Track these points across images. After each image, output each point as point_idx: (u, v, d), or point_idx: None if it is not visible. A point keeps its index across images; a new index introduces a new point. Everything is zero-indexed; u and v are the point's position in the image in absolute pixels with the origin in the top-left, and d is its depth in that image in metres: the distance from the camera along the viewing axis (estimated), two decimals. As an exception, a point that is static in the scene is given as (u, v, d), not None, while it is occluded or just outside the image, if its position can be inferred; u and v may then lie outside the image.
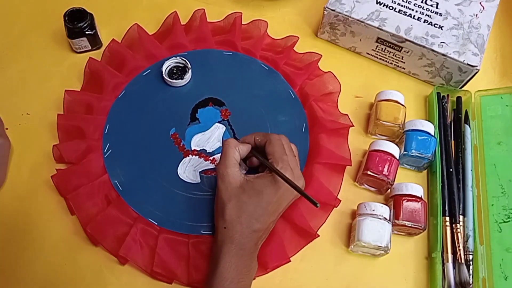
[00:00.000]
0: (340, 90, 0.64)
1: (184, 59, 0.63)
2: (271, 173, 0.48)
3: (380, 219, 0.51)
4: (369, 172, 0.55)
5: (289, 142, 0.52)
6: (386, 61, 0.67)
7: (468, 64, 0.60)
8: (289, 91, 0.63)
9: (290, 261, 0.52)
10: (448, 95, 0.63)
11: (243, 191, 0.48)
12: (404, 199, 0.53)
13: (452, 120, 0.62)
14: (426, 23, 0.63)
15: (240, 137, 0.59)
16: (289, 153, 0.50)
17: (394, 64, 0.67)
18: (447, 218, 0.55)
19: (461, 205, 0.55)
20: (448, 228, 0.54)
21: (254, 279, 0.51)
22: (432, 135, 0.57)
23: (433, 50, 0.61)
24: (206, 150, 0.59)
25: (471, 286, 0.51)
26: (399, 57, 0.65)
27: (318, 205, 0.44)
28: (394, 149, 0.56)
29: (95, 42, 0.65)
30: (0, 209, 0.54)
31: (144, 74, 0.64)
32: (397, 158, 0.56)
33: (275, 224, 0.50)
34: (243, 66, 0.65)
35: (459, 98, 0.63)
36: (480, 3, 0.65)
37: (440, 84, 0.65)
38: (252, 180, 0.49)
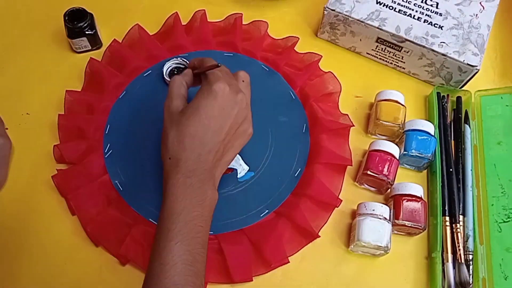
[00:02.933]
0: (341, 90, 0.64)
1: (185, 60, 0.63)
2: (206, 82, 0.46)
3: (380, 219, 0.51)
4: (369, 172, 0.55)
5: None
6: (386, 61, 0.67)
7: (468, 64, 0.60)
8: (290, 92, 0.63)
9: (288, 261, 0.52)
10: (448, 95, 0.63)
11: (182, 114, 0.45)
12: (404, 199, 0.53)
13: (452, 120, 0.62)
14: (426, 23, 0.63)
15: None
16: (225, 74, 0.47)
17: (394, 64, 0.67)
18: (447, 218, 0.55)
19: (461, 205, 0.55)
20: (448, 228, 0.54)
21: (252, 280, 0.51)
22: (432, 135, 0.57)
23: (433, 50, 0.61)
24: (206, 150, 0.59)
25: (471, 286, 0.52)
26: (399, 57, 0.65)
27: (219, 64, 0.44)
28: (394, 149, 0.56)
29: (95, 42, 0.65)
30: (0, 209, 0.54)
31: (145, 74, 0.64)
32: (397, 158, 0.56)
33: (229, 148, 0.47)
34: (243, 67, 0.65)
35: (459, 98, 0.63)
36: (480, 3, 0.65)
37: (440, 84, 0.65)
38: (193, 101, 0.45)
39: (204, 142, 0.44)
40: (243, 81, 0.50)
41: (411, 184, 0.54)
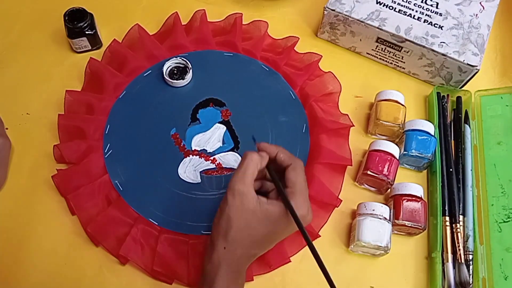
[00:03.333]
0: (341, 90, 0.64)
1: (185, 59, 0.63)
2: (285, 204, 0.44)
3: (380, 219, 0.51)
4: (369, 172, 0.55)
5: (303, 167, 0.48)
6: (386, 61, 0.67)
7: (468, 64, 0.60)
8: (290, 91, 0.63)
9: (290, 261, 0.52)
10: (448, 95, 0.63)
11: (254, 216, 0.44)
12: (404, 199, 0.53)
13: (452, 120, 0.62)
14: (426, 23, 0.63)
15: (240, 136, 0.60)
16: (305, 182, 0.46)
17: (394, 64, 0.67)
18: (447, 218, 0.55)
19: (461, 205, 0.55)
20: (448, 228, 0.54)
21: (253, 279, 0.51)
22: (432, 135, 0.57)
23: (433, 50, 0.61)
24: (206, 150, 0.59)
25: (471, 286, 0.52)
26: (399, 57, 0.65)
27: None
28: (394, 149, 0.56)
29: (95, 42, 0.65)
30: (0, 209, 0.54)
31: (144, 74, 0.64)
32: (397, 158, 0.56)
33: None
34: (243, 67, 0.65)
35: (459, 98, 0.63)
36: (480, 3, 0.65)
37: (440, 84, 0.65)
38: (266, 206, 0.44)
39: (261, 248, 0.46)
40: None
41: (411, 184, 0.54)
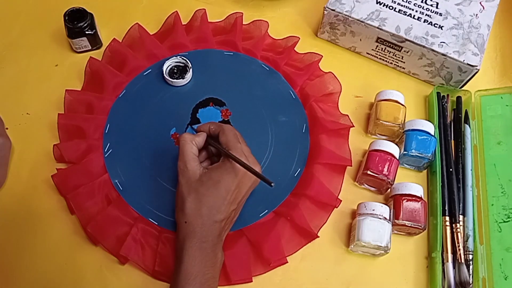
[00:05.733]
0: (341, 91, 0.64)
1: (185, 58, 0.63)
2: (228, 160, 0.48)
3: (380, 218, 0.51)
4: (369, 172, 0.55)
5: (240, 134, 0.52)
6: (386, 61, 0.67)
7: (468, 64, 0.60)
8: (290, 91, 0.63)
9: (287, 261, 0.52)
10: (448, 95, 0.63)
11: (201, 183, 0.48)
12: (404, 199, 0.53)
13: (452, 120, 0.62)
14: (426, 23, 0.63)
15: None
16: (242, 142, 0.50)
17: (394, 64, 0.67)
18: (447, 218, 0.55)
19: (461, 205, 0.55)
20: (448, 228, 0.54)
21: (252, 281, 0.51)
22: (432, 135, 0.57)
23: (433, 50, 0.61)
24: (206, 150, 0.59)
25: (471, 286, 0.51)
26: (399, 57, 0.65)
27: (272, 184, 0.44)
28: (394, 149, 0.56)
29: (95, 42, 0.65)
30: (0, 209, 0.54)
31: (144, 73, 0.64)
32: (397, 158, 0.56)
33: (238, 213, 0.51)
34: (243, 66, 0.65)
35: (459, 98, 0.63)
36: (480, 3, 0.65)
37: (440, 84, 0.65)
38: (210, 171, 0.49)
39: (220, 211, 0.47)
40: (246, 145, 0.52)
41: (411, 184, 0.54)
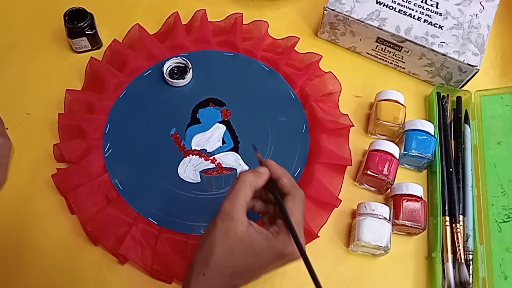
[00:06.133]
0: (341, 90, 0.64)
1: (185, 59, 0.63)
2: (283, 237, 0.41)
3: (380, 218, 0.51)
4: (369, 172, 0.55)
5: (304, 197, 0.44)
6: (386, 61, 0.67)
7: (468, 64, 0.60)
8: (290, 91, 0.63)
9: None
10: (448, 95, 0.63)
11: (239, 244, 0.40)
12: (404, 199, 0.53)
13: (452, 120, 0.62)
14: (426, 23, 0.63)
15: (240, 136, 0.60)
16: (303, 213, 0.43)
17: (394, 64, 0.67)
18: (447, 218, 0.55)
19: (461, 205, 0.55)
20: (448, 228, 0.54)
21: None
22: (432, 135, 0.57)
23: (433, 50, 0.61)
24: (206, 150, 0.59)
25: (471, 286, 0.51)
26: (399, 57, 0.65)
27: None
28: (394, 149, 0.56)
29: (95, 42, 0.65)
30: (0, 208, 0.54)
31: (145, 74, 0.64)
32: (397, 158, 0.56)
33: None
34: (243, 66, 0.65)
35: (459, 98, 0.63)
36: (480, 3, 0.65)
37: (440, 84, 0.65)
38: (254, 235, 0.41)
39: (244, 279, 0.42)
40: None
41: (411, 184, 0.54)
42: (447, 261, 0.52)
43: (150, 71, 0.64)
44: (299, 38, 0.67)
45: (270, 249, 0.41)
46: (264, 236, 0.41)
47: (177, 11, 0.68)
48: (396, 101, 0.59)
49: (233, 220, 0.41)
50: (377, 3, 0.64)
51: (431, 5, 0.65)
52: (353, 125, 0.60)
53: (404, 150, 0.57)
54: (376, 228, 0.51)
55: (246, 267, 0.41)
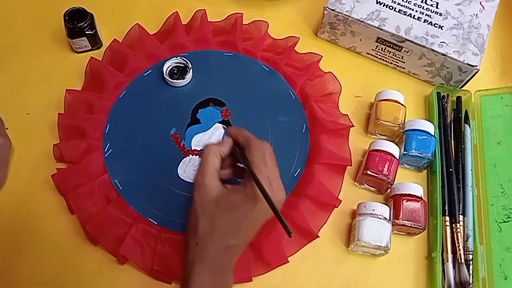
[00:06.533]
0: (341, 91, 0.64)
1: (185, 59, 0.63)
2: (250, 183, 0.44)
3: (380, 218, 0.51)
4: (369, 172, 0.55)
5: (272, 151, 0.47)
6: (386, 61, 0.67)
7: (468, 64, 0.60)
8: (290, 91, 0.63)
9: (288, 261, 0.52)
10: (448, 95, 0.63)
11: (217, 205, 0.44)
12: (404, 199, 0.53)
13: (452, 120, 0.62)
14: (426, 23, 0.63)
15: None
16: (270, 163, 0.45)
17: (394, 64, 0.67)
18: (447, 218, 0.55)
19: (461, 205, 0.55)
20: (448, 228, 0.54)
21: (252, 280, 0.51)
22: (432, 135, 0.57)
23: (433, 50, 0.61)
24: (206, 150, 0.59)
25: (471, 286, 0.51)
26: (399, 57, 0.65)
27: (292, 235, 0.40)
28: (394, 149, 0.56)
29: (95, 42, 0.65)
30: (0, 208, 0.54)
31: (145, 74, 0.64)
32: (397, 157, 0.56)
33: (252, 237, 0.47)
34: (243, 66, 0.65)
35: (459, 98, 0.63)
36: (480, 3, 0.65)
37: (440, 84, 0.65)
38: (228, 193, 0.45)
39: (235, 236, 0.44)
40: (276, 166, 0.47)
41: (411, 184, 0.54)
42: (447, 261, 0.52)
43: (150, 71, 0.64)
44: (299, 38, 0.67)
45: (243, 198, 0.44)
46: (236, 189, 0.45)
47: (177, 11, 0.68)
48: (396, 101, 0.59)
49: (205, 186, 0.45)
50: (377, 3, 0.64)
51: (431, 5, 0.65)
52: (353, 125, 0.60)
53: (404, 150, 0.57)
54: (376, 228, 0.51)
55: (231, 223, 0.44)
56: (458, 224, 0.54)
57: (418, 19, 0.63)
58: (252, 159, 0.45)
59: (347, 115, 0.61)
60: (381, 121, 0.58)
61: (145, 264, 0.51)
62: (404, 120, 0.59)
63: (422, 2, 0.65)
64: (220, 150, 0.47)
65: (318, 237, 0.54)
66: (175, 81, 0.62)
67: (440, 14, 0.64)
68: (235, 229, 0.44)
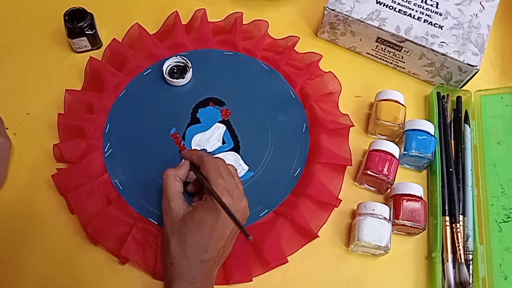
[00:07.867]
0: (341, 90, 0.64)
1: (185, 58, 0.63)
2: (210, 198, 0.47)
3: (380, 218, 0.51)
4: (369, 172, 0.55)
5: (225, 164, 0.50)
6: (386, 61, 0.67)
7: (468, 64, 0.60)
8: (290, 91, 0.63)
9: (287, 261, 0.52)
10: (448, 95, 0.63)
11: (184, 224, 0.47)
12: (404, 199, 0.53)
13: (452, 120, 0.62)
14: (426, 23, 0.63)
15: (240, 136, 0.60)
16: (225, 175, 0.48)
17: (394, 64, 0.67)
18: (447, 218, 0.55)
19: (461, 205, 0.55)
20: (448, 228, 0.54)
21: (251, 280, 0.51)
22: (432, 135, 0.57)
23: (433, 50, 0.61)
24: (206, 150, 0.59)
25: (471, 285, 0.51)
26: (399, 57, 0.65)
27: (250, 238, 0.44)
28: (394, 149, 0.56)
29: (95, 41, 0.65)
30: (0, 208, 0.54)
31: (144, 73, 0.64)
32: (397, 157, 0.56)
33: (229, 248, 0.49)
34: (243, 66, 0.65)
35: (459, 98, 0.63)
36: (480, 3, 0.65)
37: (440, 84, 0.65)
38: (192, 211, 0.47)
39: (206, 250, 0.46)
40: (233, 176, 0.51)
41: (411, 184, 0.54)
42: (447, 261, 0.52)
43: (149, 70, 0.64)
44: (299, 38, 0.67)
45: (206, 211, 0.46)
46: (199, 205, 0.48)
47: (177, 11, 0.68)
48: (396, 101, 0.59)
49: (171, 210, 0.48)
50: (377, 3, 0.64)
51: (431, 5, 0.65)
52: (353, 125, 0.60)
53: (404, 150, 0.57)
54: (376, 228, 0.51)
55: (200, 238, 0.46)
56: (458, 224, 0.54)
57: (418, 19, 0.63)
58: (207, 174, 0.48)
59: (347, 114, 0.61)
60: (381, 121, 0.58)
61: (147, 265, 0.51)
62: (404, 120, 0.59)
63: (422, 2, 0.65)
64: (178, 174, 0.50)
65: (318, 236, 0.54)
66: (175, 80, 0.62)
67: (440, 14, 0.64)
68: (205, 242, 0.46)
